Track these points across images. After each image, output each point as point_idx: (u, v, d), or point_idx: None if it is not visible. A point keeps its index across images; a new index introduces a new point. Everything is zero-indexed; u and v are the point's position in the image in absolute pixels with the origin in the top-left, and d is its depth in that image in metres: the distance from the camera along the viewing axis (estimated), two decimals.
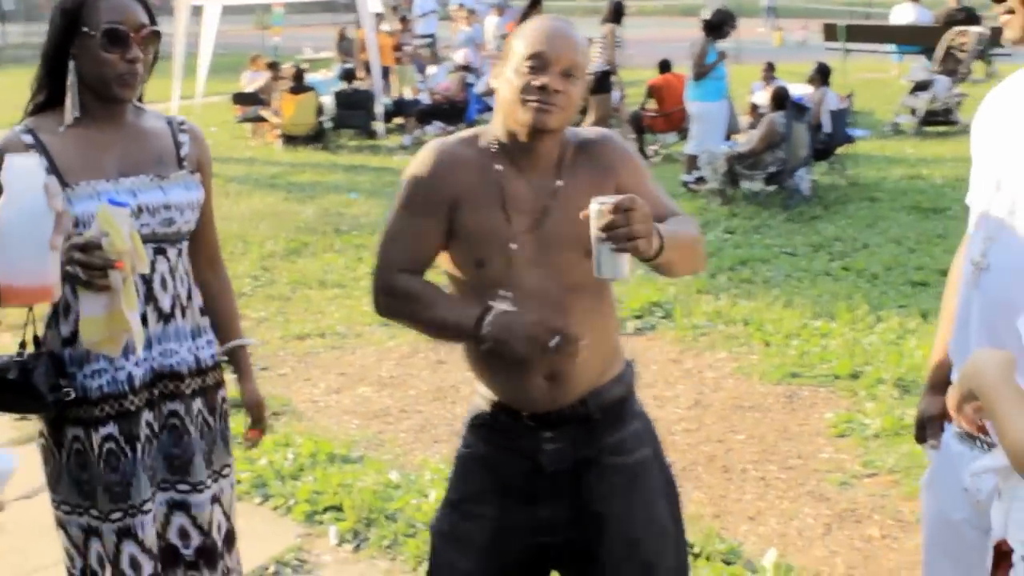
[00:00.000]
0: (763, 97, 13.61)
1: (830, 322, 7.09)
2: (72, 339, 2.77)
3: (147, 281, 2.77)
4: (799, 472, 5.07)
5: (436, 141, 2.72)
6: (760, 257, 8.79)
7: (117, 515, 2.80)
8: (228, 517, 3.02)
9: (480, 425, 2.79)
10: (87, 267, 2.47)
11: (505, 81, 2.55)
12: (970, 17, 17.39)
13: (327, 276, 8.53)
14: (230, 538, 3.04)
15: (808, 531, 4.50)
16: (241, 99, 16.46)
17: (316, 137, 15.45)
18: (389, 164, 13.94)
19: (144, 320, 2.76)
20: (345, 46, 20.05)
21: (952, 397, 1.99)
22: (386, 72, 17.60)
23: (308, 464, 5.06)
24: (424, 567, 4.12)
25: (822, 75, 12.52)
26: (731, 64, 12.75)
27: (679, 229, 2.56)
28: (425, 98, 16.72)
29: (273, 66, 16.92)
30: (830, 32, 21.70)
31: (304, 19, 35.55)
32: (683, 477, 4.99)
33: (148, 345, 2.79)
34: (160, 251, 2.81)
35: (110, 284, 2.50)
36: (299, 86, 15.29)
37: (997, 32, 17.06)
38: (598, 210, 2.32)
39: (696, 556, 4.17)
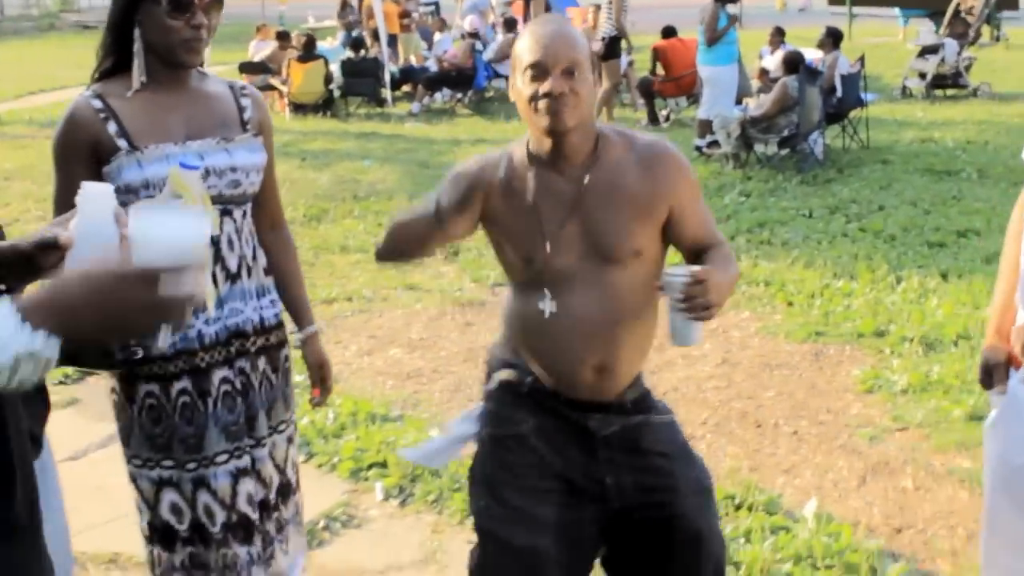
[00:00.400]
0: (772, 62, 13.65)
1: (851, 282, 7.17)
2: None
3: (215, 242, 2.84)
4: (830, 427, 5.16)
5: (474, 157, 2.81)
6: (777, 219, 8.87)
7: (192, 465, 2.89)
8: (282, 471, 3.09)
9: (520, 402, 2.79)
10: None
11: (516, 92, 2.64)
12: None
13: (348, 242, 8.61)
14: (284, 491, 3.10)
15: (843, 483, 4.60)
16: (248, 68, 16.47)
17: (324, 105, 15.49)
18: (400, 131, 14.00)
19: (213, 280, 2.83)
20: (347, 14, 20.03)
21: (1018, 339, 2.05)
22: (392, 40, 17.61)
23: (349, 423, 5.15)
24: (471, 520, 4.25)
25: (833, 39, 12.56)
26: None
27: (729, 275, 2.62)
28: (432, 65, 16.74)
29: (283, 35, 16.94)
30: None
31: None
32: (717, 432, 5.09)
33: (219, 304, 2.87)
34: (226, 212, 2.87)
35: None
36: (308, 54, 15.31)
37: None
38: (674, 283, 2.44)
39: (737, 507, 4.27)
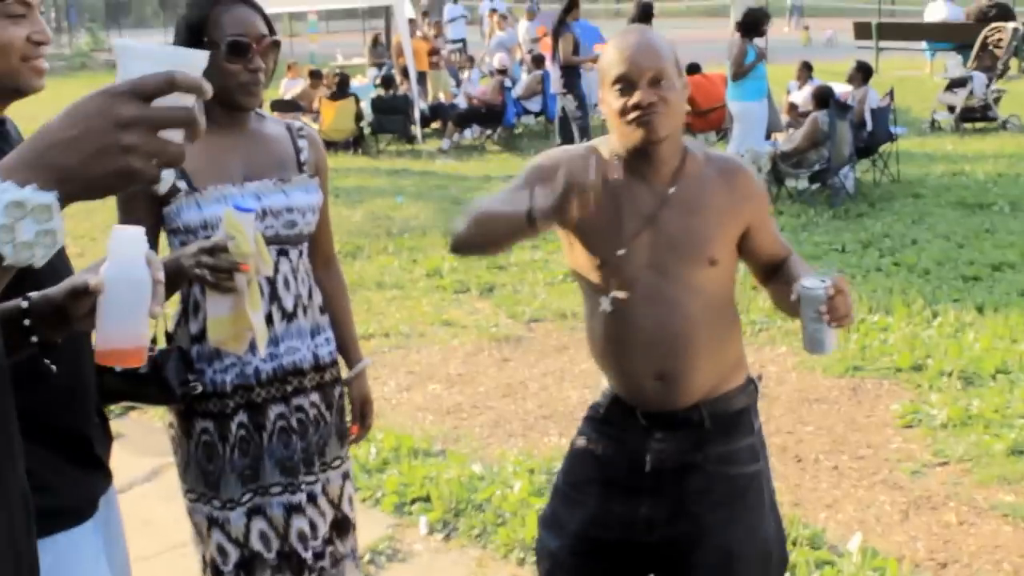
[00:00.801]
0: (801, 96, 13.69)
1: (887, 316, 7.18)
2: (201, 336, 2.89)
3: (271, 281, 2.89)
4: (870, 461, 5.16)
5: (564, 148, 2.85)
6: (810, 254, 8.88)
7: (247, 496, 2.93)
8: (336, 506, 3.12)
9: (594, 417, 2.91)
10: (214, 269, 2.58)
11: (606, 105, 2.67)
12: (1003, 13, 17.42)
13: (384, 278, 8.67)
14: (341, 526, 3.13)
15: (886, 518, 4.60)
16: (279, 106, 16.61)
17: (355, 142, 15.62)
18: (430, 168, 14.10)
19: (269, 319, 2.88)
20: (379, 51, 20.20)
21: None
22: (422, 77, 17.76)
23: (392, 458, 5.20)
24: (515, 554, 4.29)
25: (863, 73, 12.59)
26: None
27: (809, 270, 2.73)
28: (461, 102, 16.86)
29: (315, 74, 17.12)
30: (861, 30, 21.77)
31: (331, 26, 35.80)
32: None
33: (275, 343, 2.91)
34: (283, 252, 2.93)
35: (235, 286, 2.62)
36: (340, 92, 15.46)
37: None
38: (814, 295, 2.47)
39: None
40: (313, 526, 3.03)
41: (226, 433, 2.91)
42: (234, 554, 2.97)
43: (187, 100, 1.37)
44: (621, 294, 2.69)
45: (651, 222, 2.66)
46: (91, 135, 1.29)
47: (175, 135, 1.38)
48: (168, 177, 1.55)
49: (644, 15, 13.83)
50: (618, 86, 2.59)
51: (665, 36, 2.70)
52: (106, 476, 2.43)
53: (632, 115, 2.57)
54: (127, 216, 2.89)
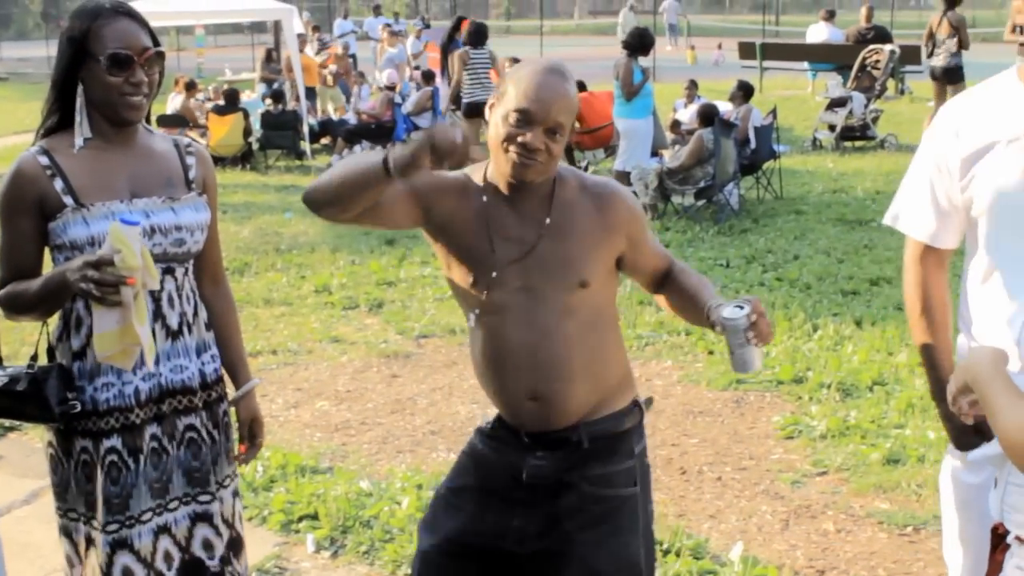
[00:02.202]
0: (686, 114, 13.93)
1: None
2: (82, 353, 2.85)
3: (155, 299, 2.86)
4: (753, 472, 5.27)
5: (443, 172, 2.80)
6: (695, 269, 9.00)
7: (113, 527, 2.86)
8: (230, 525, 3.09)
9: (483, 430, 2.94)
10: (100, 283, 2.56)
11: (493, 123, 2.65)
12: (880, 36, 17.90)
13: (272, 294, 8.60)
14: (234, 544, 3.10)
15: (767, 527, 4.71)
16: (165, 121, 16.36)
17: (244, 158, 15.47)
18: None
19: (153, 336, 2.85)
20: (272, 67, 20.03)
21: (950, 391, 2.13)
22: (311, 93, 17.66)
23: (279, 476, 5.16)
24: (402, 570, 4.29)
25: (744, 92, 12.84)
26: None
27: (707, 285, 2.82)
28: (351, 118, 16.81)
29: (190, 86, 16.89)
30: (746, 50, 22.21)
31: (220, 40, 35.42)
32: None
33: (157, 361, 2.88)
34: (168, 270, 2.89)
35: (122, 300, 2.60)
36: (227, 106, 15.30)
37: (907, 50, 17.56)
38: (738, 323, 2.53)
39: (665, 552, 4.36)
40: (209, 546, 3.01)
41: (99, 455, 2.86)
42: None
43: None
44: (472, 317, 2.76)
45: (525, 247, 2.69)
46: None
47: None
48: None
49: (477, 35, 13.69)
50: (517, 116, 2.58)
51: (575, 85, 2.70)
52: None
53: (515, 150, 2.58)
54: (11, 229, 2.85)
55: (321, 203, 2.65)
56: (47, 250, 2.89)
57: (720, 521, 4.78)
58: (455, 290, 2.84)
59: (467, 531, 2.84)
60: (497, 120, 2.64)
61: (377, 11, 24.20)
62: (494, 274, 2.69)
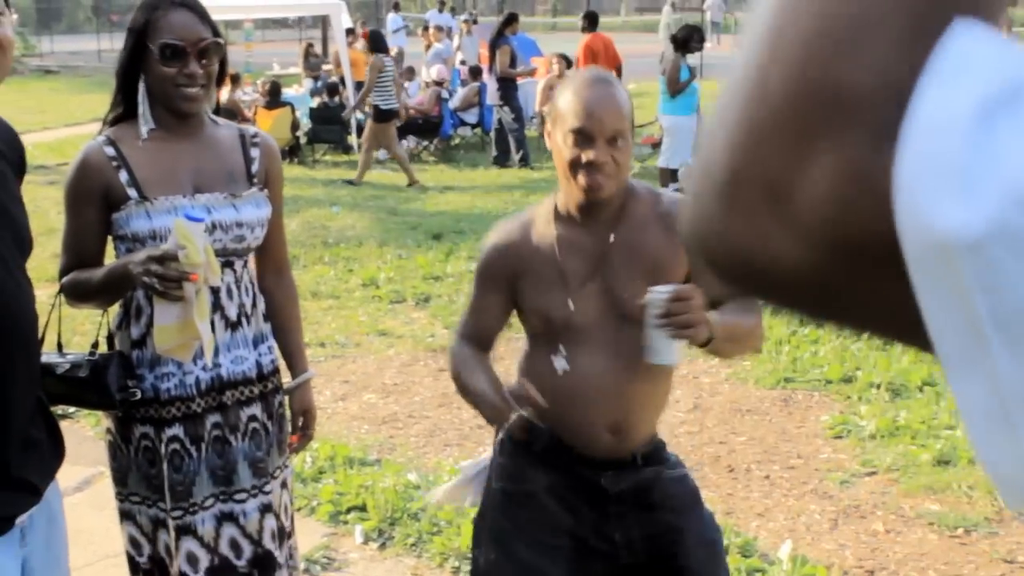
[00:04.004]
0: None
1: (818, 329, 7.28)
2: (142, 341, 2.89)
3: (215, 291, 2.89)
4: (801, 471, 5.25)
5: (494, 232, 2.82)
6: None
7: (177, 513, 2.92)
8: (277, 515, 3.12)
9: (532, 459, 2.80)
10: (163, 278, 2.59)
11: (556, 149, 2.64)
12: None
13: (320, 287, 8.65)
14: (280, 535, 3.13)
15: (816, 526, 4.68)
16: (216, 115, 16.49)
17: (291, 152, 15.55)
18: (367, 178, 14.07)
19: (212, 329, 2.88)
20: (313, 63, 20.12)
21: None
22: (360, 88, 17.71)
23: (327, 467, 5.19)
24: (450, 563, 4.30)
25: None
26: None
27: (736, 320, 2.59)
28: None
29: (235, 79, 16.99)
30: None
31: (268, 35, 35.62)
32: None
33: (216, 353, 2.91)
34: (228, 263, 2.93)
35: (184, 295, 2.63)
36: (275, 101, 15.39)
37: None
38: (656, 299, 2.44)
39: None
40: (275, 536, 3.04)
41: (161, 442, 2.90)
42: (173, 558, 2.97)
43: None
44: (563, 361, 2.68)
45: (597, 270, 2.65)
46: None
47: None
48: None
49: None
50: (575, 137, 2.56)
51: (623, 86, 2.66)
52: (31, 495, 2.40)
53: (583, 170, 2.56)
54: (75, 218, 2.89)
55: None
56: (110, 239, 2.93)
57: (768, 519, 4.76)
58: (533, 327, 2.76)
59: (577, 565, 2.78)
60: (559, 145, 2.62)
61: (443, 7, 24.20)
62: (570, 302, 2.65)
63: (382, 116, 13.47)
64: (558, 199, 2.73)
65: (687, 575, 2.75)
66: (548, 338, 2.71)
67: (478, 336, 2.85)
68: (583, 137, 2.55)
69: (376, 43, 13.89)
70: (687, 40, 12.09)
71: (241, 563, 3.00)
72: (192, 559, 2.94)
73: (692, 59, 12.37)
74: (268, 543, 3.02)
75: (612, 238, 2.65)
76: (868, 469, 5.23)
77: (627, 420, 2.68)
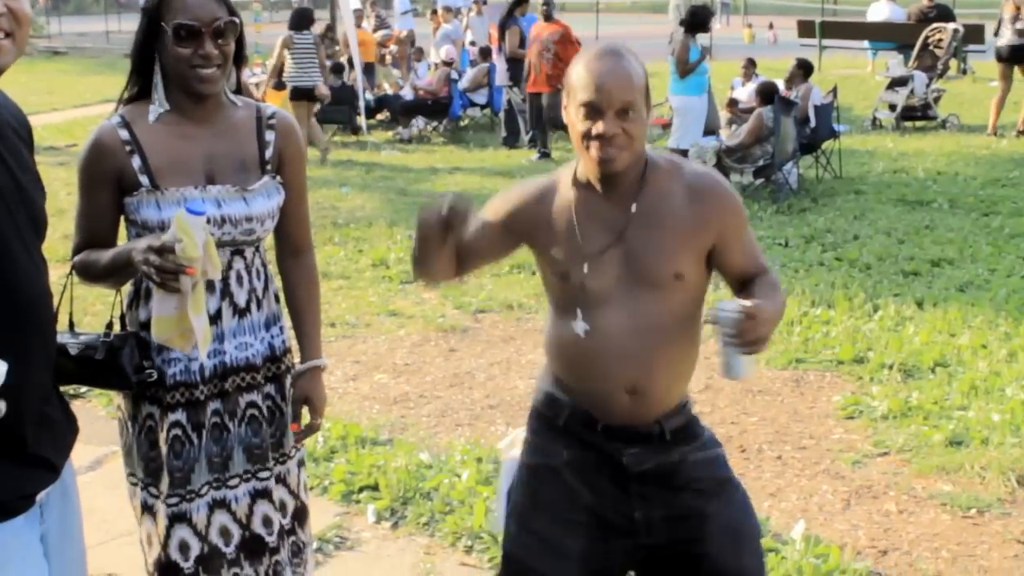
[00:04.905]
0: (743, 93, 13.83)
1: (829, 310, 7.27)
2: (149, 324, 2.87)
3: (224, 279, 2.87)
4: (813, 452, 5.24)
5: (528, 179, 2.85)
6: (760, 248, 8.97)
7: (173, 500, 2.90)
8: (295, 495, 3.12)
9: (556, 434, 2.82)
10: (160, 269, 2.56)
11: (570, 123, 2.65)
12: (943, 14, 17.64)
13: (330, 268, 8.63)
14: (300, 514, 3.13)
15: (828, 506, 4.68)
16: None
17: None
18: (376, 159, 14.08)
19: (218, 316, 2.87)
20: (326, 44, 20.04)
21: None
22: (369, 68, 17.68)
23: (339, 447, 5.20)
24: (462, 542, 4.31)
25: (804, 71, 12.73)
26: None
27: (775, 304, 2.62)
28: (408, 94, 16.82)
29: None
30: (805, 29, 22.01)
31: (276, 16, 35.55)
32: None
33: (221, 339, 2.89)
34: (237, 252, 2.90)
35: (181, 287, 2.61)
36: (283, 82, 15.34)
37: (970, 29, 17.31)
38: (726, 318, 2.46)
39: None
40: (268, 522, 3.02)
41: (164, 426, 2.89)
42: (155, 550, 2.95)
43: None
44: (582, 324, 2.69)
45: (616, 237, 2.65)
46: None
47: None
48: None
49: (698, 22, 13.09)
50: (584, 111, 2.57)
51: (638, 57, 2.64)
52: (48, 472, 2.40)
53: (594, 143, 2.56)
54: (88, 199, 2.87)
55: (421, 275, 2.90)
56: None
57: (780, 500, 4.76)
58: (553, 292, 2.79)
59: (598, 541, 2.77)
60: (572, 119, 2.64)
61: None
62: (585, 266, 2.66)
63: (294, 94, 13.56)
64: (578, 166, 2.73)
65: (707, 562, 2.73)
66: (566, 302, 2.73)
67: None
68: (592, 110, 2.56)
69: (297, 21, 13.90)
70: (696, 21, 12.05)
71: (229, 549, 2.96)
72: (184, 547, 2.91)
73: (702, 39, 12.33)
74: (258, 527, 2.99)
75: (634, 208, 2.66)
76: (880, 450, 5.22)
77: (645, 382, 2.66)
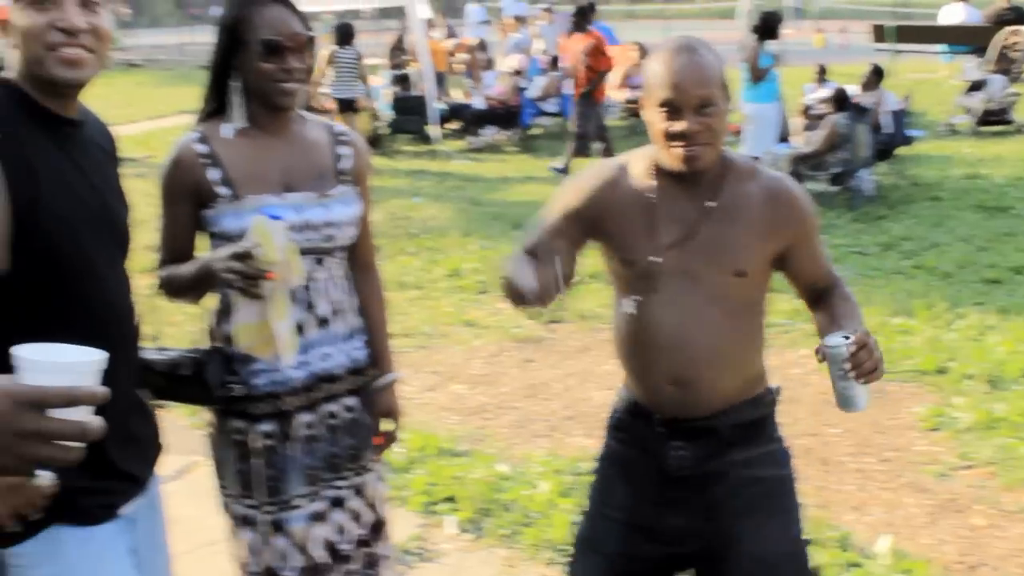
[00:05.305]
0: (816, 99, 13.68)
1: (909, 319, 7.18)
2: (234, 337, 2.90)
3: (307, 289, 2.89)
4: (896, 464, 5.17)
5: (600, 161, 2.85)
6: (831, 257, 8.86)
7: (271, 508, 2.93)
8: (373, 508, 3.13)
9: (615, 426, 2.89)
10: (242, 275, 2.59)
11: (649, 122, 2.64)
12: (1020, 17, 17.36)
13: (404, 278, 8.67)
14: (378, 527, 3.14)
15: (913, 520, 4.61)
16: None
17: (372, 143, 15.62)
18: (447, 169, 14.12)
19: (302, 328, 2.89)
20: (397, 55, 20.16)
21: None
22: (440, 77, 17.75)
23: (418, 458, 5.22)
24: (543, 555, 4.30)
25: (877, 76, 12.59)
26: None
27: (855, 315, 2.66)
28: (478, 102, 16.86)
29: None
30: (879, 33, 21.70)
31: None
32: None
33: (305, 350, 2.91)
34: (319, 260, 2.93)
35: (262, 293, 2.63)
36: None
37: None
38: (837, 354, 2.45)
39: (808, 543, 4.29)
40: (341, 530, 3.04)
41: (254, 437, 2.92)
42: (257, 559, 2.98)
43: (85, 410, 1.41)
44: (631, 303, 2.69)
45: (690, 232, 2.64)
46: None
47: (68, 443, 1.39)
48: (46, 475, 1.61)
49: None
50: (664, 109, 2.56)
51: (712, 49, 2.62)
52: (135, 486, 2.44)
53: (675, 142, 2.56)
54: (170, 214, 2.92)
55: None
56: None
57: (864, 513, 4.70)
58: (614, 277, 2.81)
59: (628, 543, 2.78)
60: (651, 118, 2.63)
61: None
62: (651, 258, 2.65)
63: (341, 107, 13.81)
64: (659, 157, 2.70)
65: None
66: (625, 283, 2.74)
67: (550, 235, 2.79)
68: (671, 108, 2.55)
69: (341, 37, 14.16)
70: (767, 27, 11.95)
71: (323, 553, 3.00)
72: (284, 556, 2.95)
73: (772, 45, 12.23)
74: (332, 535, 3.01)
75: (711, 204, 2.65)
76: (965, 462, 5.14)
77: (688, 374, 2.65)
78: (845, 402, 2.53)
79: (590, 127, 13.33)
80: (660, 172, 2.69)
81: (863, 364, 2.43)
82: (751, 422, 2.76)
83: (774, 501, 2.77)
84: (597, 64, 13.37)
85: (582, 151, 14.51)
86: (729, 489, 2.72)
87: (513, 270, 2.55)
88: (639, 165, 2.75)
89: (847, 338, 2.45)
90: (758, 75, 11.69)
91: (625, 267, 2.72)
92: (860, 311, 2.72)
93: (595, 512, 2.88)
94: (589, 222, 2.75)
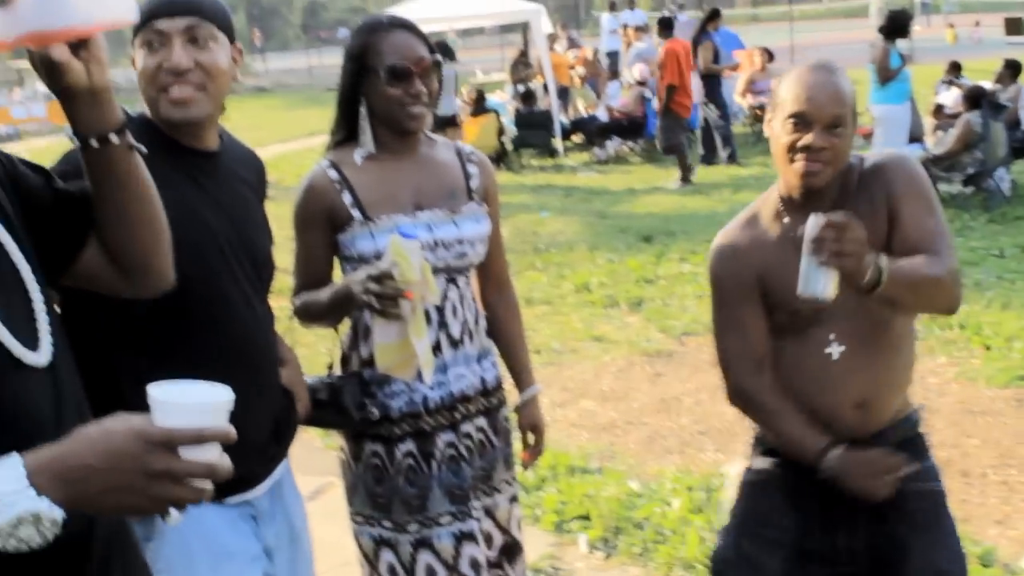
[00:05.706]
0: (949, 98, 13.37)
1: None
2: (371, 360, 2.95)
3: (439, 309, 2.94)
4: None
5: (719, 236, 2.81)
6: (967, 260, 8.65)
7: (414, 527, 2.96)
8: (505, 530, 3.15)
9: (772, 450, 2.84)
10: (380, 296, 2.63)
11: (775, 136, 2.63)
12: None
13: (532, 294, 8.70)
14: (510, 550, 3.16)
15: None
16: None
17: (498, 158, 15.75)
18: (574, 182, 14.15)
19: (437, 347, 2.93)
20: (520, 69, 20.28)
21: None
22: (564, 91, 17.80)
23: (549, 476, 5.23)
24: (676, 572, 4.27)
25: (1012, 71, 12.24)
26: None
27: (911, 264, 2.49)
28: (602, 114, 16.87)
29: None
30: (1013, 26, 21.15)
31: (468, 43, 36.16)
32: None
33: (442, 370, 2.95)
34: (451, 280, 2.97)
35: (401, 313, 2.66)
36: (480, 108, 15.61)
37: None
38: (810, 225, 2.38)
39: None
40: (482, 553, 3.05)
41: (393, 459, 2.96)
42: (404, 575, 3.02)
43: (214, 449, 1.46)
44: (837, 348, 2.65)
45: None
46: (118, 475, 1.39)
47: (198, 482, 1.45)
48: (176, 514, 1.65)
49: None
50: (793, 121, 2.55)
51: (846, 75, 2.61)
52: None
53: (799, 155, 2.54)
54: (304, 241, 2.99)
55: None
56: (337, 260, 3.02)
57: (1008, 527, 4.56)
58: (780, 324, 2.73)
59: (794, 567, 2.76)
60: (777, 131, 2.62)
61: (632, 4, 24.07)
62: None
63: (437, 123, 13.84)
64: (780, 188, 2.69)
65: None
66: (800, 324, 2.67)
67: (756, 354, 2.77)
68: (801, 121, 2.55)
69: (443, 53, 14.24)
70: (896, 26, 11.71)
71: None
72: (431, 572, 2.97)
73: (902, 44, 11.98)
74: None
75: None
76: None
77: (871, 395, 2.65)
78: (802, 280, 2.41)
79: (676, 139, 13.32)
80: (788, 207, 2.68)
81: (824, 242, 2.33)
82: (911, 437, 2.78)
83: (940, 515, 2.77)
84: (667, 77, 13.31)
85: (709, 159, 14.40)
86: (900, 503, 2.69)
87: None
88: (767, 211, 2.73)
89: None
90: (887, 76, 11.46)
91: (791, 316, 2.68)
92: (935, 271, 2.51)
93: (751, 534, 2.83)
94: (755, 292, 2.72)
